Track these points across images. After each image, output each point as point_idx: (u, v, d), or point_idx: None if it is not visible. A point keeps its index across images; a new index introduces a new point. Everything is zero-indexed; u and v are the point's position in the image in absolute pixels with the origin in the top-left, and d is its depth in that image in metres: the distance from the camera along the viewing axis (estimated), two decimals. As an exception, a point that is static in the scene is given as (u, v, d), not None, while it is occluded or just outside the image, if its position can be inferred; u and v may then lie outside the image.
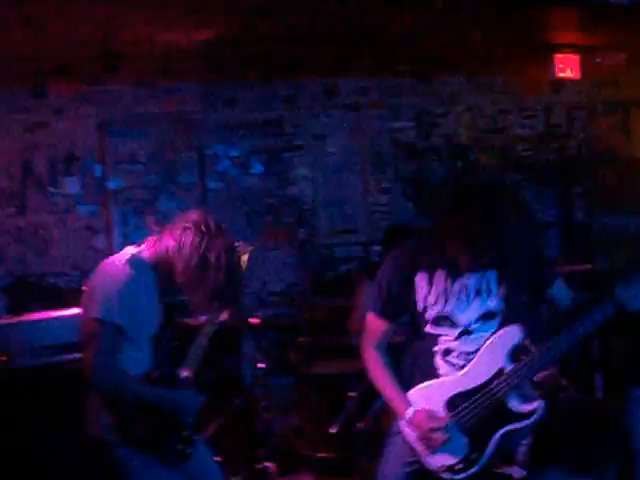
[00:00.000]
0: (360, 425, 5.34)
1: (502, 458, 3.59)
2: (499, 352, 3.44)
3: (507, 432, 3.39)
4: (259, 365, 6.28)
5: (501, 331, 3.46)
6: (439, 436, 3.37)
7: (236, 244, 4.04)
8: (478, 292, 3.46)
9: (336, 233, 7.71)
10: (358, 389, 5.47)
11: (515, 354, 3.44)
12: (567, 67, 7.69)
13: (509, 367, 3.40)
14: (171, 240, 3.49)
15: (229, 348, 6.52)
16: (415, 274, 3.48)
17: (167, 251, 3.49)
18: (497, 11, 6.03)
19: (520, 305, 3.55)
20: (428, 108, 8.15)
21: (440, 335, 3.49)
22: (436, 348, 3.50)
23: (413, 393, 3.51)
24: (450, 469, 3.39)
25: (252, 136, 7.51)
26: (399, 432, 3.52)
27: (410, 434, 3.46)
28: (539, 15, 6.33)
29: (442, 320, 3.47)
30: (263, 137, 7.55)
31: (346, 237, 7.72)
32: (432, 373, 3.51)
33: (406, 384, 3.54)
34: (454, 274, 3.45)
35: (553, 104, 8.72)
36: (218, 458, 4.20)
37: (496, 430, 3.39)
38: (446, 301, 3.45)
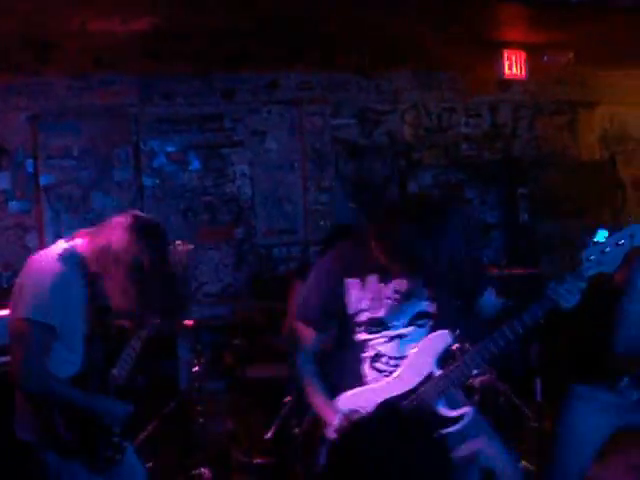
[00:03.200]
0: (296, 430, 5.33)
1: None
2: (428, 357, 3.49)
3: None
4: (194, 368, 6.30)
5: (430, 336, 3.53)
6: None
7: (177, 242, 4.10)
8: (409, 296, 3.53)
9: (275, 233, 7.77)
10: (294, 393, 5.53)
11: (444, 359, 3.51)
12: (514, 65, 7.86)
13: (438, 372, 3.46)
14: (105, 239, 3.45)
15: (163, 351, 6.54)
16: (346, 278, 3.54)
17: (100, 250, 3.45)
18: (444, 7, 6.20)
19: (452, 309, 3.66)
20: (371, 105, 8.27)
21: (370, 340, 3.54)
22: (365, 355, 3.55)
23: (341, 401, 3.55)
24: None
25: (190, 131, 7.56)
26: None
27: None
28: (486, 12, 6.52)
29: (374, 324, 3.52)
30: (201, 132, 7.60)
31: (285, 237, 7.79)
32: (359, 381, 3.55)
33: (334, 392, 3.57)
34: (385, 279, 3.51)
35: (499, 103, 8.93)
36: (151, 463, 4.20)
37: None
38: (378, 305, 3.52)
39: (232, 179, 7.71)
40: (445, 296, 3.59)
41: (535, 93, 9.00)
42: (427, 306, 3.57)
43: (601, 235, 3.24)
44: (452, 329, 3.58)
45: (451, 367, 3.45)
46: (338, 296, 3.54)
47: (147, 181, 7.37)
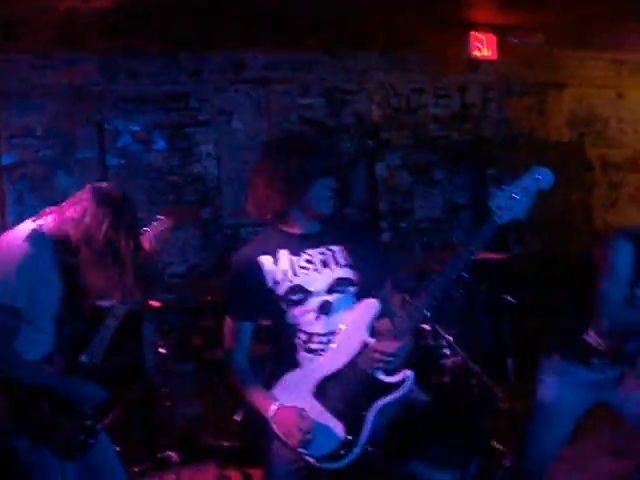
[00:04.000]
0: None
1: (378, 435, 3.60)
2: (359, 327, 3.51)
3: (380, 408, 3.44)
4: (160, 350, 6.39)
5: (357, 306, 3.56)
6: (305, 435, 3.39)
7: (158, 217, 4.09)
8: (325, 263, 3.61)
9: (241, 213, 7.69)
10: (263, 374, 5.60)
11: (375, 326, 3.53)
12: (484, 46, 8.02)
13: (372, 340, 3.46)
14: (74, 213, 3.46)
15: (129, 333, 6.55)
16: (259, 258, 3.60)
17: (68, 225, 3.46)
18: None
19: (371, 274, 3.65)
20: (339, 85, 8.29)
21: (299, 319, 3.58)
22: (298, 340, 3.59)
23: (277, 388, 3.58)
24: (328, 458, 3.43)
25: (155, 110, 7.52)
26: None
27: (278, 432, 3.50)
28: None
29: (295, 292, 3.56)
30: (166, 112, 7.56)
31: (251, 217, 7.71)
32: (295, 367, 3.59)
33: (271, 384, 3.61)
34: (296, 250, 3.61)
35: (469, 84, 8.98)
36: (118, 447, 4.22)
37: (369, 407, 3.44)
38: (294, 274, 3.57)
39: (198, 159, 7.70)
40: (360, 264, 3.63)
41: (504, 74, 9.07)
42: (344, 272, 3.62)
43: (505, 183, 3.31)
44: (376, 293, 3.60)
45: (385, 332, 3.46)
46: (254, 276, 3.59)
47: (112, 160, 7.32)
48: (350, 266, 3.63)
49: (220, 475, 5.86)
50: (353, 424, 3.44)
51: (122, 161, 7.40)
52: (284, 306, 3.59)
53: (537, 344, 4.52)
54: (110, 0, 5.89)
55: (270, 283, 3.58)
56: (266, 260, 3.60)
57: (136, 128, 7.47)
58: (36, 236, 3.48)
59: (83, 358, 3.67)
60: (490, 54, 8.04)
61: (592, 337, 4.14)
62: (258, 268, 3.60)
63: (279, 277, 3.57)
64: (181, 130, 7.63)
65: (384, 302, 3.58)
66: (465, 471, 4.71)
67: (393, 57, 8.51)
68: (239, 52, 7.81)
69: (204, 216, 7.70)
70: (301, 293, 3.56)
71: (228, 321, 3.71)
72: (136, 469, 5.61)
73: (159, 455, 6.17)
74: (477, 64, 8.74)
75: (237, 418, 5.82)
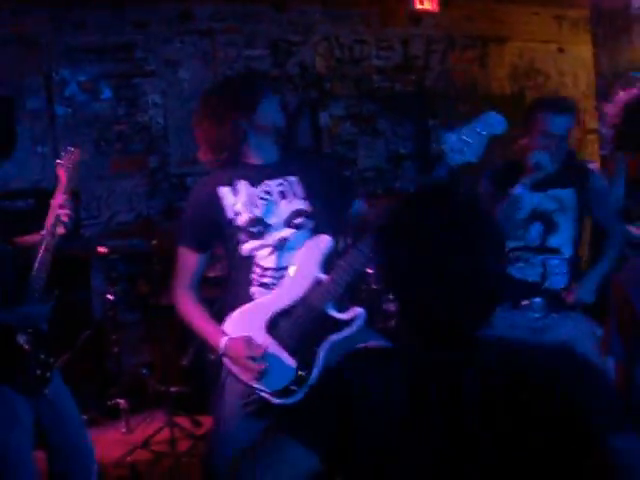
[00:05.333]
0: (211, 356, 5.11)
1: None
2: (312, 263, 3.55)
3: (333, 344, 3.48)
4: (108, 297, 6.52)
5: (310, 242, 3.60)
6: (258, 365, 3.44)
7: (68, 148, 4.16)
8: (283, 195, 3.67)
9: (188, 162, 7.79)
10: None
11: (328, 263, 3.55)
12: None
13: (324, 277, 3.50)
14: None
15: (76, 280, 6.60)
16: (218, 189, 3.67)
17: None
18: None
19: (326, 207, 3.73)
20: (284, 36, 8.41)
21: (255, 253, 3.63)
22: (252, 274, 3.63)
23: (228, 322, 3.61)
24: (281, 393, 3.47)
25: (102, 61, 7.56)
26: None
27: (231, 366, 3.54)
28: None
29: (254, 225, 3.61)
30: (113, 62, 7.60)
31: (198, 166, 7.78)
32: (249, 301, 3.62)
33: (224, 317, 3.65)
34: (255, 181, 3.67)
35: (411, 36, 9.12)
36: None
37: (321, 343, 3.49)
38: (253, 206, 3.63)
39: (145, 109, 7.78)
40: (318, 195, 3.71)
41: (447, 27, 9.23)
42: (302, 204, 3.68)
43: (459, 127, 3.28)
44: (331, 229, 3.67)
45: (337, 268, 3.47)
46: (214, 207, 3.65)
47: (59, 110, 7.38)
48: (306, 198, 3.69)
49: (169, 421, 5.90)
50: (305, 359, 3.49)
51: (69, 110, 7.43)
52: (242, 237, 3.62)
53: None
54: None
55: (230, 214, 3.63)
56: (225, 191, 3.65)
57: (83, 78, 7.50)
58: None
59: (25, 292, 3.78)
60: (432, 7, 8.17)
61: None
62: (217, 199, 3.65)
63: (238, 209, 3.62)
64: (128, 80, 7.67)
65: (339, 237, 3.69)
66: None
67: (337, 10, 8.63)
68: (185, 3, 7.87)
69: (151, 165, 7.79)
70: (260, 225, 3.62)
71: (183, 251, 3.75)
72: (85, 417, 5.48)
73: (108, 403, 6.35)
74: (420, 17, 8.89)
75: (184, 363, 5.92)
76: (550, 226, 4.44)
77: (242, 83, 3.77)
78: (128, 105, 7.72)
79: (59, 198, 3.94)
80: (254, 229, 3.62)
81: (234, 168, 3.69)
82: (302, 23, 8.51)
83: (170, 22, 7.88)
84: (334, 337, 3.49)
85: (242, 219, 3.62)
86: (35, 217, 6.06)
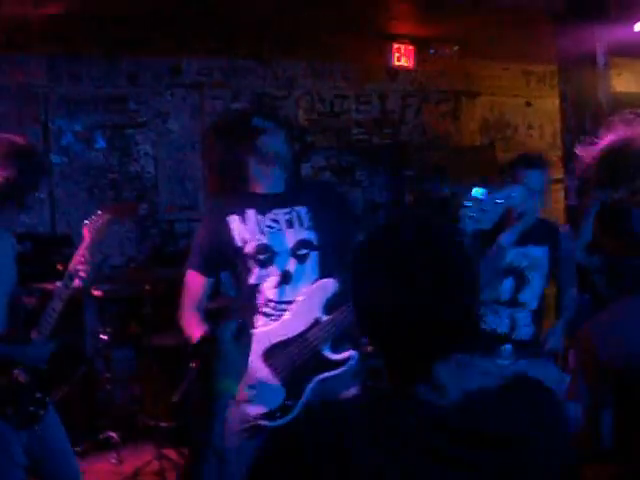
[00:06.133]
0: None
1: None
2: (315, 303, 3.62)
3: (323, 380, 3.61)
4: (101, 337, 6.71)
5: (316, 283, 3.66)
6: (248, 392, 3.56)
7: (97, 212, 4.25)
8: (290, 224, 3.73)
9: (176, 209, 8.12)
10: (200, 358, 5.85)
11: (330, 306, 3.62)
12: (403, 56, 8.35)
13: (324, 318, 3.59)
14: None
15: (70, 319, 6.79)
16: (227, 218, 3.72)
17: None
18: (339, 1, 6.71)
19: (333, 239, 3.77)
20: (268, 90, 8.72)
21: (262, 282, 3.68)
22: (256, 302, 3.69)
23: None
24: (268, 416, 3.58)
25: (96, 111, 7.82)
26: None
27: None
28: (379, 6, 7.05)
29: (261, 252, 3.67)
30: (107, 113, 7.87)
31: (186, 213, 8.12)
32: (251, 327, 3.65)
33: None
34: (263, 210, 3.72)
35: (388, 91, 9.50)
36: None
37: (311, 379, 3.60)
38: (261, 233, 3.69)
39: (136, 158, 8.04)
40: (325, 227, 3.76)
41: (422, 83, 9.61)
42: (308, 234, 3.74)
43: (477, 192, 3.22)
44: (335, 262, 3.72)
45: (337, 312, 3.57)
46: (223, 234, 3.72)
47: (55, 159, 7.63)
48: (313, 229, 3.75)
49: (158, 454, 6.09)
50: (294, 392, 3.60)
51: (65, 159, 7.67)
52: (250, 265, 3.68)
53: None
54: (57, 7, 6.10)
55: (238, 242, 3.69)
56: (234, 219, 3.71)
57: (78, 128, 7.75)
58: None
59: (33, 335, 3.86)
60: (408, 64, 8.38)
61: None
62: (227, 227, 3.70)
63: (247, 236, 3.68)
64: (121, 130, 7.93)
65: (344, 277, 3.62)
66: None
67: (318, 66, 8.97)
68: (175, 58, 8.14)
69: (141, 212, 7.98)
70: (268, 253, 3.68)
71: (191, 275, 3.80)
72: (78, 449, 5.63)
73: (100, 436, 6.50)
74: (396, 73, 9.25)
75: (175, 400, 6.12)
76: (521, 281, 4.57)
77: (246, 115, 3.82)
78: (121, 155, 7.97)
79: (81, 254, 4.04)
80: (261, 256, 3.68)
81: (243, 196, 3.77)
82: (285, 77, 8.80)
83: (161, 76, 8.16)
84: (324, 375, 3.62)
85: (250, 247, 3.68)
86: (31, 260, 6.36)
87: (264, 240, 3.69)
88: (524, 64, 10.17)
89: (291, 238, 3.72)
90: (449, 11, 7.27)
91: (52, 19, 6.39)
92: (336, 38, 7.84)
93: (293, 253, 3.71)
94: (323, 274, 3.72)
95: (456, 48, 8.59)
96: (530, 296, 4.60)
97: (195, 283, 3.81)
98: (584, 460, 3.45)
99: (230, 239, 3.71)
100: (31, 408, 3.82)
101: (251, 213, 3.73)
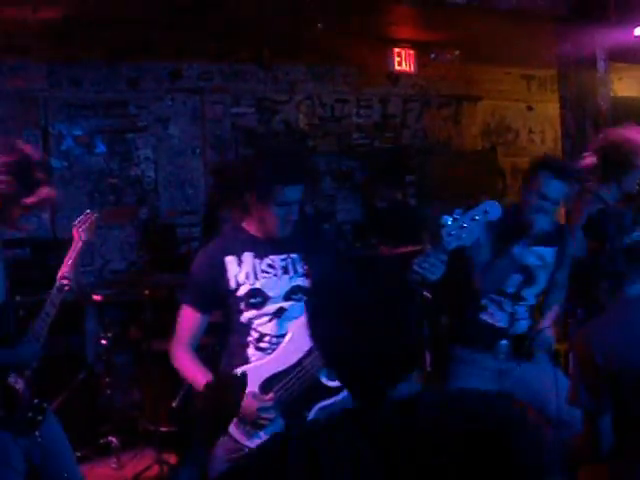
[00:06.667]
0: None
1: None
2: (308, 333, 3.66)
3: (320, 409, 3.62)
4: (101, 342, 6.67)
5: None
6: (270, 415, 3.56)
7: (85, 212, 4.25)
8: (285, 270, 3.77)
9: (177, 214, 8.11)
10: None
11: None
12: (404, 61, 8.37)
13: None
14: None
15: (71, 324, 6.64)
16: (225, 258, 3.74)
17: None
18: (337, 4, 6.74)
19: (326, 285, 3.71)
20: (269, 95, 8.74)
21: (253, 320, 3.72)
22: (249, 338, 3.73)
23: None
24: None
25: (96, 116, 7.83)
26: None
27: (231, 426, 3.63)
28: (379, 10, 7.04)
29: (254, 296, 3.70)
30: (107, 117, 7.88)
31: (186, 218, 8.14)
32: (245, 364, 3.70)
33: None
34: (260, 254, 3.75)
35: (389, 96, 9.53)
36: None
37: (310, 408, 3.62)
38: (255, 277, 3.72)
39: (137, 163, 8.05)
40: (318, 273, 3.72)
41: (423, 87, 9.64)
42: (302, 281, 3.78)
43: (457, 213, 3.31)
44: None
45: None
46: (218, 275, 3.73)
47: (55, 163, 7.62)
48: (307, 275, 3.79)
49: (158, 459, 6.10)
50: (294, 422, 3.60)
51: (65, 164, 7.68)
52: (242, 306, 3.71)
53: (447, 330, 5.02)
54: (57, 11, 6.10)
55: (232, 285, 3.71)
56: (231, 260, 3.74)
57: (78, 133, 7.76)
58: None
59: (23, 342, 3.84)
60: (409, 68, 8.40)
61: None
62: (222, 268, 3.73)
63: (241, 279, 3.71)
64: (121, 135, 7.95)
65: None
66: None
67: (319, 70, 8.99)
68: (175, 63, 8.14)
69: (141, 216, 8.02)
70: (260, 297, 3.71)
71: (185, 310, 3.80)
72: (78, 454, 5.33)
73: (100, 440, 6.48)
74: (397, 77, 9.27)
75: (174, 405, 5.96)
76: (529, 279, 4.59)
77: (268, 160, 3.74)
78: (121, 159, 7.99)
79: (70, 256, 4.04)
80: (254, 300, 3.71)
81: (241, 237, 3.80)
82: (286, 81, 8.83)
83: (161, 80, 8.18)
84: (323, 403, 3.63)
85: (243, 290, 3.71)
86: (31, 265, 6.37)
87: (258, 285, 3.73)
88: (525, 68, 10.23)
89: (285, 284, 3.76)
90: (450, 16, 7.28)
91: (52, 24, 6.39)
92: (337, 42, 7.85)
93: (287, 297, 3.76)
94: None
95: (457, 53, 8.65)
96: (533, 293, 4.65)
97: (190, 319, 3.82)
98: (584, 462, 3.50)
99: (225, 281, 3.73)
100: (29, 414, 3.81)
101: (248, 256, 3.76)
